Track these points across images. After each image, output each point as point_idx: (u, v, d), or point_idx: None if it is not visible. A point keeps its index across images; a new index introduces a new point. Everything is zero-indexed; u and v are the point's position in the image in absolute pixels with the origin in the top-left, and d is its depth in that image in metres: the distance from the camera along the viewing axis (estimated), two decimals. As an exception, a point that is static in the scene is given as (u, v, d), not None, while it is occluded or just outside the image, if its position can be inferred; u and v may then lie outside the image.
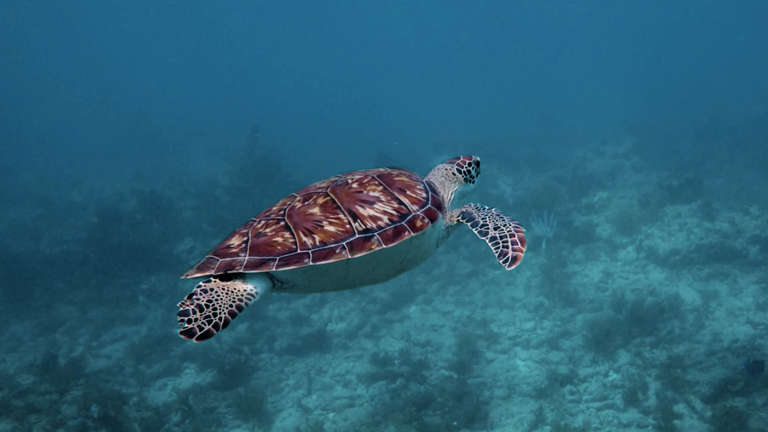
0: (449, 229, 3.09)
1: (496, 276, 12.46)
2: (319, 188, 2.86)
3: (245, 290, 2.43)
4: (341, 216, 2.64)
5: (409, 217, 2.73)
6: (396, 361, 9.79)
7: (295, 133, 26.97)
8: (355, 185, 2.84)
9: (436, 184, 3.23)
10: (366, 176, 2.93)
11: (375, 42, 53.32)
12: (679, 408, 8.02)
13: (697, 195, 14.33)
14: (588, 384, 8.92)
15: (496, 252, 2.81)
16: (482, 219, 2.98)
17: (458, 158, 3.41)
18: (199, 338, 2.19)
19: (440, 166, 3.40)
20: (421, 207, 2.82)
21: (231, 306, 2.33)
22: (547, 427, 8.06)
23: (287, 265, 2.44)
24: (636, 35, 42.78)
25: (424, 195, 2.91)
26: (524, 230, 2.90)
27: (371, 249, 2.56)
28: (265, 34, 52.12)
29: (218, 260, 2.49)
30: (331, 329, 11.01)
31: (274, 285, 2.59)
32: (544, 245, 13.07)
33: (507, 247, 2.80)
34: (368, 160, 18.53)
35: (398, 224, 2.68)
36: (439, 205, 2.95)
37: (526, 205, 14.80)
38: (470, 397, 8.73)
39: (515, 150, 20.10)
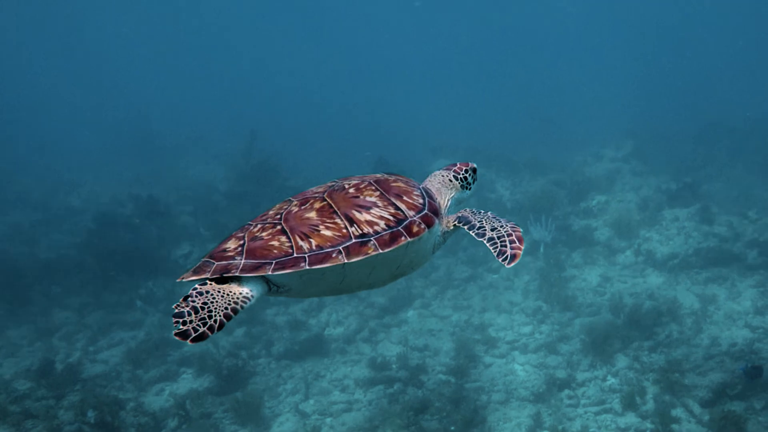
0: (446, 234, 3.10)
1: (494, 280, 12.46)
2: (316, 193, 2.86)
3: (241, 293, 2.43)
4: (338, 220, 2.64)
5: (405, 223, 2.73)
6: (394, 366, 9.78)
7: (294, 137, 26.93)
8: (351, 190, 2.84)
9: (432, 190, 3.23)
10: (363, 181, 2.93)
11: (374, 46, 53.36)
12: (677, 412, 8.01)
13: (696, 199, 14.37)
14: (586, 388, 8.91)
15: (495, 251, 2.82)
16: (479, 222, 2.99)
17: (455, 165, 3.42)
18: (194, 340, 2.20)
19: (437, 172, 3.41)
20: (418, 212, 2.83)
21: (226, 309, 2.33)
22: (546, 432, 8.07)
23: (283, 268, 2.44)
24: (636, 39, 42.82)
25: (421, 201, 2.92)
26: (521, 230, 2.91)
27: (368, 253, 2.56)
28: (264, 39, 52.19)
29: (214, 263, 2.50)
30: (329, 334, 10.99)
31: (270, 289, 2.58)
32: (542, 249, 13.07)
33: (505, 245, 2.82)
34: (367, 164, 18.51)
35: (395, 229, 2.68)
36: (435, 211, 2.95)
37: (525, 209, 14.80)
38: (468, 401, 8.72)
39: (514, 154, 20.07)
